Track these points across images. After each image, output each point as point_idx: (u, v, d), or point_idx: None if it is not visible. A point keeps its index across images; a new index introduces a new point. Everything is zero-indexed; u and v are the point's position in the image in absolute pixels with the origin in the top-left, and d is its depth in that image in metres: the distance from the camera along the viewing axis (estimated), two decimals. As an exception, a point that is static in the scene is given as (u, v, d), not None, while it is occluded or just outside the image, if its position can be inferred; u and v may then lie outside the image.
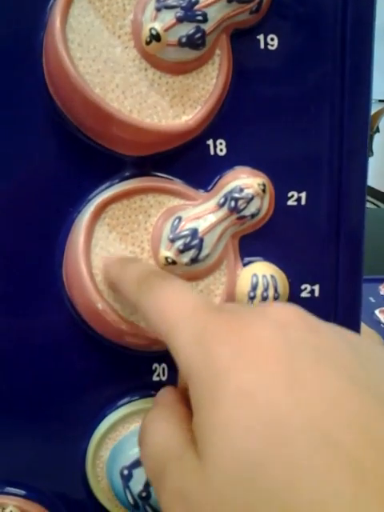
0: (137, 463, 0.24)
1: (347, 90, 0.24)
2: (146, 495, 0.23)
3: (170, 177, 0.24)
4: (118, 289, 0.22)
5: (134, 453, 0.24)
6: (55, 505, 0.26)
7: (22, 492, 0.26)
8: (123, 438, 0.25)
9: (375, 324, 0.67)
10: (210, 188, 0.24)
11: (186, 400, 0.19)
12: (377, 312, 0.71)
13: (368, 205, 0.28)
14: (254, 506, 0.13)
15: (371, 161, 0.28)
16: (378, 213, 1.45)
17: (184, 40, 0.21)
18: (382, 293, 0.77)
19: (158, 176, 0.24)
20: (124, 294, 0.21)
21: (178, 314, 0.18)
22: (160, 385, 0.26)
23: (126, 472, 0.24)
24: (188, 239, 0.23)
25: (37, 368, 0.25)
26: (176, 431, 0.17)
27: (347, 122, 0.25)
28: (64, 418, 0.26)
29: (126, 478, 0.24)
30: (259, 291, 0.24)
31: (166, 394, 0.20)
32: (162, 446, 0.17)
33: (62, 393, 0.25)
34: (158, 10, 0.21)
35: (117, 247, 0.23)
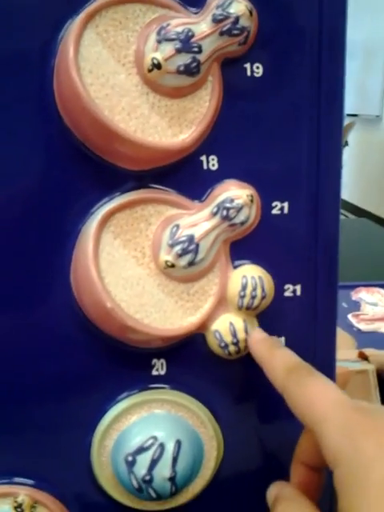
0: (140, 450, 0.26)
1: (323, 109, 0.27)
2: (149, 479, 0.26)
3: (167, 189, 0.26)
4: (261, 365, 0.25)
5: (137, 441, 0.26)
6: (63, 493, 0.28)
7: (31, 481, 0.28)
8: (126, 428, 0.27)
9: (348, 327, 0.71)
10: (203, 199, 0.27)
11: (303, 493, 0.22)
12: (349, 316, 0.75)
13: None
14: None
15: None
16: (346, 223, 1.51)
17: (182, 68, 0.24)
18: (353, 298, 0.81)
19: (157, 188, 0.26)
20: (269, 375, 0.24)
21: (327, 408, 0.20)
22: (159, 379, 0.28)
23: (130, 458, 0.26)
24: (185, 244, 0.25)
25: (44, 365, 0.27)
26: None
27: (323, 138, 0.28)
28: (69, 411, 0.28)
29: (130, 464, 0.26)
30: (248, 290, 0.27)
31: (286, 490, 0.23)
32: None
33: (68, 388, 0.28)
34: (159, 41, 0.23)
35: (121, 252, 0.26)
